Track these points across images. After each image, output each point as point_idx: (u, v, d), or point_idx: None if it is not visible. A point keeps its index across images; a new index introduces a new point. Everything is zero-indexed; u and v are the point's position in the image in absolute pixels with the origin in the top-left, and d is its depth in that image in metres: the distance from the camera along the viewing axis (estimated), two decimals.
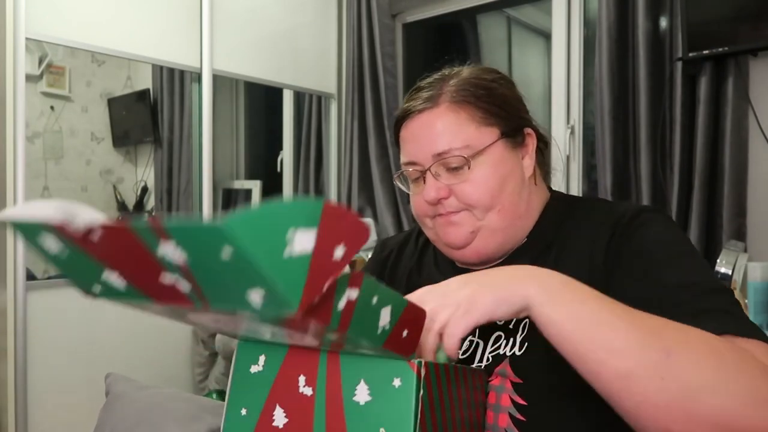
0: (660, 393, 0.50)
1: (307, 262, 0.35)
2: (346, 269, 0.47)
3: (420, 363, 0.50)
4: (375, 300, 0.44)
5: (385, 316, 0.46)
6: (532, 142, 0.79)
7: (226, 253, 0.32)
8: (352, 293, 0.42)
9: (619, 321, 0.53)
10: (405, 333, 0.49)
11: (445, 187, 0.74)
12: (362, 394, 0.51)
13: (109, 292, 0.43)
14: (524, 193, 0.76)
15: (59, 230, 0.38)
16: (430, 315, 0.54)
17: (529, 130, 0.79)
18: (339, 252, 0.37)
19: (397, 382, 0.50)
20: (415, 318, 0.50)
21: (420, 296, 0.58)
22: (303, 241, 0.34)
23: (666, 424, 0.50)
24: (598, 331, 0.53)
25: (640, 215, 0.70)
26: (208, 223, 0.31)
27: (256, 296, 0.35)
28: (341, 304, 0.41)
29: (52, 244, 0.41)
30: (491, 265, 0.78)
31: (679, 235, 0.69)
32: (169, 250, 0.34)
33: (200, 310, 0.40)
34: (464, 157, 0.72)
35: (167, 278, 0.37)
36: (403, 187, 0.82)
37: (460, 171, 0.73)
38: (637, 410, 0.51)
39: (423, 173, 0.76)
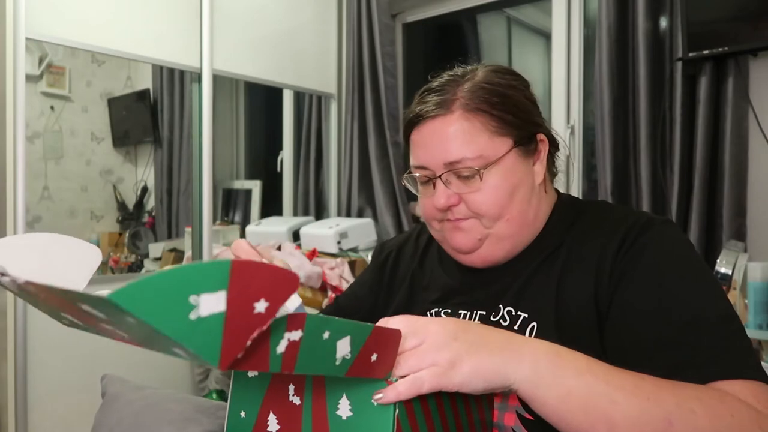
0: None
1: (221, 322, 0.34)
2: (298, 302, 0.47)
3: (396, 381, 0.50)
4: (326, 335, 0.44)
5: (343, 348, 0.45)
6: (544, 148, 0.78)
7: (131, 320, 0.32)
8: (293, 335, 0.41)
9: (617, 392, 0.53)
10: (374, 357, 0.48)
11: (455, 194, 0.74)
12: (344, 408, 0.51)
13: (77, 326, 0.44)
14: (533, 201, 0.76)
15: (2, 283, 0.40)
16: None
17: (541, 137, 0.78)
18: (261, 306, 0.37)
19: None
20: (385, 341, 0.49)
21: (396, 324, 0.53)
22: (211, 304, 0.34)
23: None
24: (596, 406, 0.52)
25: (650, 227, 0.70)
26: (100, 297, 0.31)
27: (181, 352, 0.36)
28: (280, 347, 0.40)
29: (8, 283, 0.42)
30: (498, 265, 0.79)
31: (687, 251, 0.69)
32: (89, 309, 0.35)
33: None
34: (476, 168, 0.72)
35: (107, 326, 0.38)
36: (411, 189, 0.81)
37: (471, 180, 0.73)
38: None
39: (433, 179, 0.75)
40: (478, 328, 0.55)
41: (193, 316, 0.33)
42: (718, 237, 1.77)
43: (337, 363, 0.46)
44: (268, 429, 0.56)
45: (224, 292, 0.34)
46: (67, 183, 2.19)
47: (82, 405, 1.94)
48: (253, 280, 0.36)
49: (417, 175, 0.78)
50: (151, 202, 2.43)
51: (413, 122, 0.77)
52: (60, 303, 0.38)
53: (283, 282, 0.38)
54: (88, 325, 0.41)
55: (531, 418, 0.66)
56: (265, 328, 0.37)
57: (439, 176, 0.74)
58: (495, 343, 0.54)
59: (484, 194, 0.73)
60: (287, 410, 0.55)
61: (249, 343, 0.37)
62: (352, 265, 2.30)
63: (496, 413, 0.67)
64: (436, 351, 0.50)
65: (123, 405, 0.94)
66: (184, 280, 0.33)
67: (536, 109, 0.79)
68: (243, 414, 0.59)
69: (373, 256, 0.98)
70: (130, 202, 2.38)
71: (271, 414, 0.56)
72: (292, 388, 0.55)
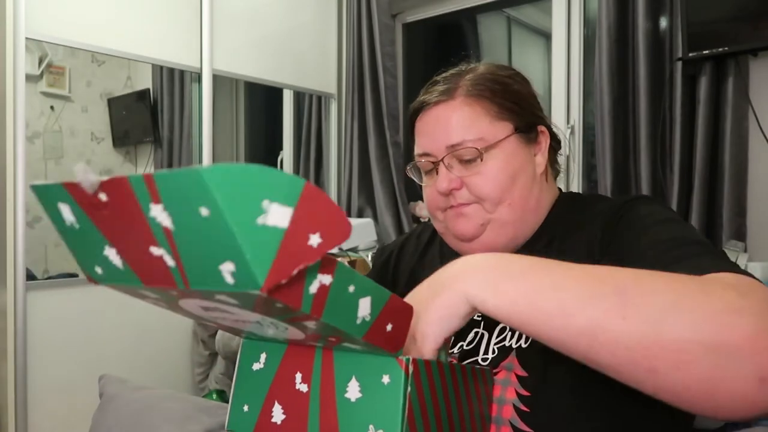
0: (627, 334, 0.46)
1: (279, 238, 0.34)
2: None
3: (408, 360, 0.50)
4: (351, 289, 0.44)
5: (364, 307, 0.45)
6: (545, 140, 0.80)
7: (204, 210, 0.32)
8: (324, 278, 0.41)
9: (565, 280, 0.50)
10: (389, 327, 0.48)
11: (458, 178, 0.75)
12: (353, 390, 0.51)
13: (109, 275, 0.44)
14: (535, 189, 0.77)
15: (74, 194, 0.39)
16: None
17: (542, 128, 0.80)
18: (314, 240, 0.36)
19: (386, 379, 0.50)
20: (400, 313, 0.49)
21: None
22: (278, 216, 0.34)
23: (649, 364, 0.46)
24: (547, 299, 0.50)
25: (635, 200, 0.72)
26: (190, 170, 0.31)
27: (227, 272, 0.35)
28: (313, 287, 0.40)
29: (67, 213, 0.42)
30: None
31: (671, 211, 0.70)
32: (158, 213, 0.35)
33: (183, 291, 0.40)
34: (477, 149, 0.73)
35: (155, 251, 0.38)
36: (415, 179, 0.83)
37: (473, 163, 0.74)
38: (615, 361, 0.48)
39: (436, 165, 0.77)
40: (424, 286, 0.57)
41: (260, 220, 0.33)
42: (718, 237, 1.77)
43: (358, 322, 0.45)
44: (273, 420, 0.55)
45: (291, 209, 0.34)
46: None
47: (82, 405, 1.94)
48: (317, 210, 0.36)
49: (422, 161, 0.79)
50: None
51: (417, 111, 0.80)
52: (121, 217, 0.38)
53: (339, 225, 0.38)
54: (129, 261, 0.41)
55: (527, 410, 0.66)
56: (310, 263, 0.37)
57: (441, 159, 0.75)
58: (437, 284, 0.56)
59: (485, 177, 0.74)
60: (293, 399, 0.54)
61: (294, 272, 0.36)
62: (352, 265, 2.30)
63: (494, 407, 0.67)
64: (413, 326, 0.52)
65: (121, 405, 0.94)
66: (264, 180, 0.33)
67: (537, 103, 0.82)
68: (246, 407, 0.58)
69: (374, 260, 0.98)
70: None
71: (276, 404, 0.56)
72: (299, 375, 0.54)
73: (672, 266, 0.54)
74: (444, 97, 0.76)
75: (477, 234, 0.76)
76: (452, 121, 0.75)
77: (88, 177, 0.37)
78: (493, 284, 0.52)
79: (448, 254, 0.85)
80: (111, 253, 0.42)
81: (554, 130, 0.83)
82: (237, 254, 0.33)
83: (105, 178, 0.36)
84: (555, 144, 0.83)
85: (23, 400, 1.82)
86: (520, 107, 0.77)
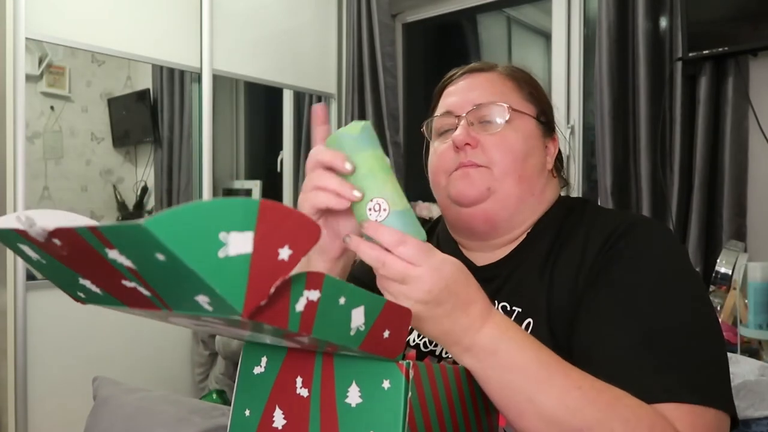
0: None
1: (247, 263, 0.34)
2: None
3: (408, 364, 0.49)
4: (342, 301, 0.43)
5: (357, 317, 0.45)
6: (554, 147, 0.82)
7: (161, 256, 0.32)
8: (311, 294, 0.40)
9: (544, 392, 0.54)
10: (386, 334, 0.48)
11: (476, 137, 0.76)
12: (354, 396, 0.50)
13: (93, 298, 0.43)
14: (543, 178, 0.79)
15: (29, 239, 0.38)
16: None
17: (555, 135, 0.83)
18: (284, 253, 0.36)
19: (386, 384, 0.49)
20: (397, 318, 0.49)
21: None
22: (239, 243, 0.33)
23: None
24: (516, 399, 0.55)
25: (635, 228, 0.69)
26: (134, 225, 0.30)
27: (204, 302, 0.35)
28: (299, 305, 0.40)
29: (30, 252, 0.41)
30: (495, 242, 0.79)
31: (667, 263, 0.67)
32: (116, 256, 0.34)
33: (168, 313, 0.40)
34: (504, 109, 0.76)
35: (128, 284, 0.37)
36: (426, 136, 0.85)
37: (494, 127, 0.76)
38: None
39: (457, 121, 0.78)
40: (453, 304, 0.55)
41: (221, 254, 0.33)
42: (718, 237, 1.77)
43: (352, 333, 0.45)
44: (274, 425, 0.55)
45: (251, 233, 0.34)
46: (67, 183, 2.19)
47: (82, 405, 1.93)
48: (279, 224, 0.35)
49: (442, 122, 0.80)
50: (151, 202, 2.43)
51: (451, 78, 0.84)
52: (83, 258, 0.37)
53: (307, 231, 0.37)
54: (107, 290, 0.40)
55: None
56: (287, 277, 0.37)
57: (465, 114, 0.77)
58: (454, 333, 0.55)
59: (502, 143, 0.75)
60: (294, 404, 0.54)
61: (272, 291, 0.36)
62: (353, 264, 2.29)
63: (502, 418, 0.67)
64: (417, 296, 0.52)
65: (115, 408, 0.93)
66: (215, 215, 0.32)
67: (552, 111, 0.85)
68: (247, 412, 0.58)
69: None
70: (130, 202, 2.38)
71: (277, 409, 0.55)
72: (300, 380, 0.54)
73: (642, 387, 0.57)
74: (481, 68, 0.82)
75: (479, 199, 0.75)
76: (486, 85, 0.79)
77: (33, 228, 0.36)
78: (486, 362, 0.55)
79: (446, 254, 0.84)
80: (87, 283, 0.41)
81: (561, 148, 0.85)
82: (207, 290, 0.33)
83: (51, 228, 0.35)
84: (558, 163, 0.84)
85: (23, 400, 1.82)
86: (543, 102, 0.82)
